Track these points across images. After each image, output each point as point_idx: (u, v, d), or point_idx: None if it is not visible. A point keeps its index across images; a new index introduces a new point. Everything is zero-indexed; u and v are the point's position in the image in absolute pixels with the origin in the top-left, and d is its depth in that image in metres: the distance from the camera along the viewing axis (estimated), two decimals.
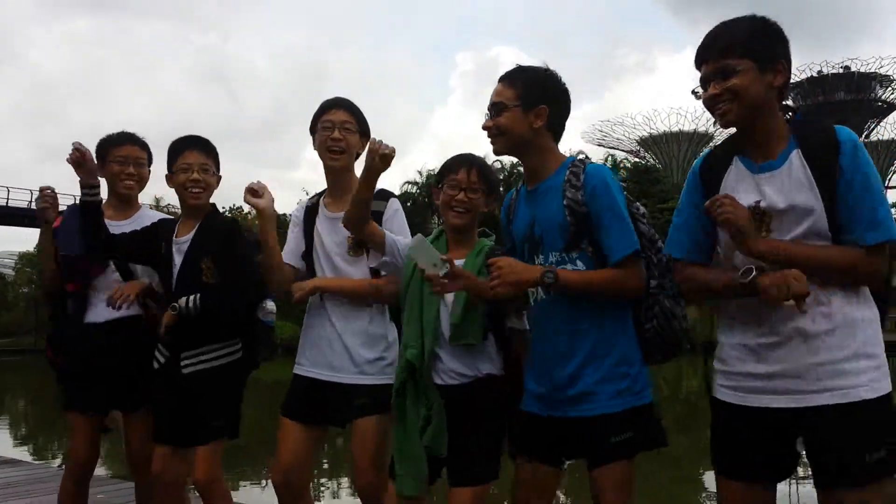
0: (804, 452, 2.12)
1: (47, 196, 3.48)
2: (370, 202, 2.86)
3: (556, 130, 2.54)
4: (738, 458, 2.20)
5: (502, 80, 2.54)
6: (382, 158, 2.72)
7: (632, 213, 2.46)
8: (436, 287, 2.54)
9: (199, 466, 3.14)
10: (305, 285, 3.04)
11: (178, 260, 3.26)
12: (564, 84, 2.56)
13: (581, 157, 2.62)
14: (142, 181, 3.61)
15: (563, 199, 2.42)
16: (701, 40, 2.21)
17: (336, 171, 3.17)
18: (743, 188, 2.17)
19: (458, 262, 2.71)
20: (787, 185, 2.09)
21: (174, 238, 3.31)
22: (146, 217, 3.65)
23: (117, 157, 3.55)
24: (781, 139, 2.15)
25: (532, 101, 2.48)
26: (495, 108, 2.50)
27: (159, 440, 3.25)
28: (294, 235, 3.29)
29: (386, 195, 3.18)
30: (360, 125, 3.19)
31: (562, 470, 2.53)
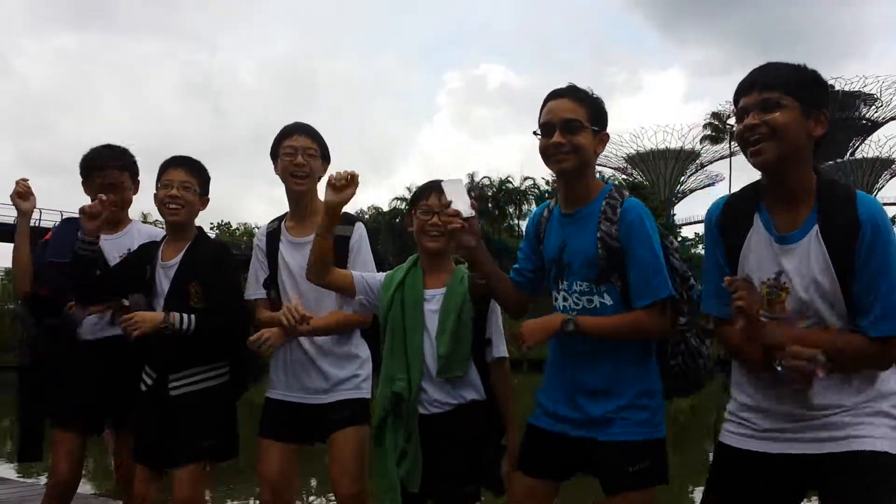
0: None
1: (24, 186, 3.45)
2: (331, 243, 2.80)
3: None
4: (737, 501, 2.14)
5: (566, 95, 2.44)
6: (337, 189, 2.71)
7: (665, 247, 2.41)
8: (454, 224, 2.42)
9: (180, 487, 3.08)
10: (299, 325, 2.89)
11: (164, 284, 3.22)
12: None
13: (617, 185, 2.54)
14: (125, 203, 3.59)
15: (597, 231, 2.37)
16: (746, 75, 2.11)
17: (300, 196, 3.18)
18: (764, 257, 2.08)
19: (440, 291, 2.75)
20: (805, 263, 2.00)
21: (159, 261, 3.27)
22: (135, 231, 3.65)
23: (99, 182, 3.51)
24: (805, 205, 2.04)
25: (599, 125, 2.45)
26: (569, 124, 2.39)
27: (142, 462, 3.21)
28: (256, 266, 3.28)
29: (352, 219, 3.19)
30: (322, 150, 3.21)
31: (558, 486, 2.51)
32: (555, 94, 2.45)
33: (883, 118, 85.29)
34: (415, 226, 2.82)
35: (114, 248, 3.51)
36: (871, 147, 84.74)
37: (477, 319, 2.71)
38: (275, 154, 3.19)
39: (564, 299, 2.46)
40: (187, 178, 3.24)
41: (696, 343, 2.44)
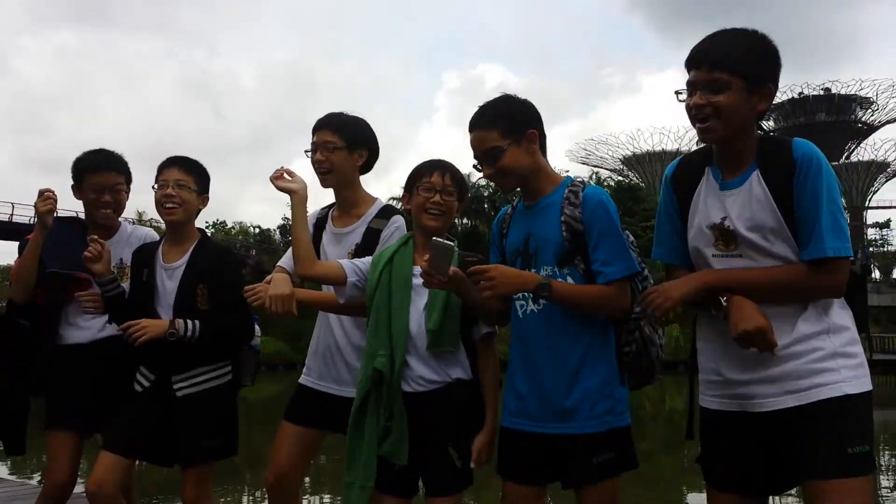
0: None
1: (50, 198, 3.28)
2: (306, 233, 2.85)
3: (544, 146, 2.57)
4: (727, 469, 2.21)
5: (478, 126, 2.51)
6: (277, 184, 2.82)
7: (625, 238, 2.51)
8: (429, 282, 2.52)
9: (189, 486, 3.11)
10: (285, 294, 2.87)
11: (168, 285, 3.19)
12: (527, 100, 2.58)
13: (579, 178, 2.65)
14: (119, 207, 3.51)
15: (560, 216, 2.46)
16: (698, 42, 2.18)
17: (334, 189, 3.19)
18: (711, 204, 2.22)
19: None
20: (748, 205, 2.13)
21: (160, 262, 3.25)
22: (125, 235, 3.60)
23: (93, 183, 3.45)
24: (748, 158, 2.17)
25: (520, 131, 2.49)
26: (490, 154, 2.48)
27: (116, 450, 3.09)
28: None
29: (389, 213, 3.18)
30: (347, 140, 3.13)
31: (545, 489, 2.53)
32: (469, 128, 2.55)
33: (878, 121, 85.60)
34: (413, 203, 2.79)
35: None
36: (867, 150, 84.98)
37: None
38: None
39: None
40: (183, 177, 3.22)
41: (649, 332, 2.51)
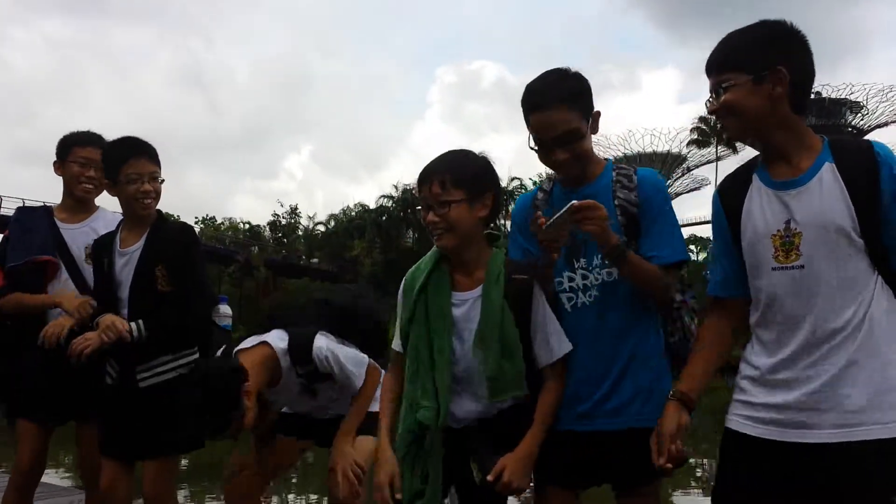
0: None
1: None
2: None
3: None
4: (748, 497, 2.02)
5: (557, 103, 2.27)
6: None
7: None
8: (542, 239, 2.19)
9: (147, 481, 3.06)
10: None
11: (126, 271, 3.13)
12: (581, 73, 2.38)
13: (621, 159, 2.52)
14: (101, 186, 3.47)
15: (614, 200, 2.33)
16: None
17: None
18: (769, 209, 2.02)
19: (473, 294, 2.35)
20: (819, 202, 1.94)
21: (118, 249, 3.17)
22: (101, 219, 3.58)
23: (79, 157, 3.48)
24: (809, 151, 2.01)
25: (591, 112, 2.34)
26: (570, 137, 2.27)
27: (109, 455, 3.14)
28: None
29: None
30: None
31: (578, 495, 2.44)
32: (537, 105, 2.30)
33: (868, 126, 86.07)
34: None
35: (79, 236, 3.51)
36: None
37: (520, 319, 2.32)
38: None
39: (584, 277, 2.36)
40: (155, 168, 3.16)
41: (688, 321, 2.45)
